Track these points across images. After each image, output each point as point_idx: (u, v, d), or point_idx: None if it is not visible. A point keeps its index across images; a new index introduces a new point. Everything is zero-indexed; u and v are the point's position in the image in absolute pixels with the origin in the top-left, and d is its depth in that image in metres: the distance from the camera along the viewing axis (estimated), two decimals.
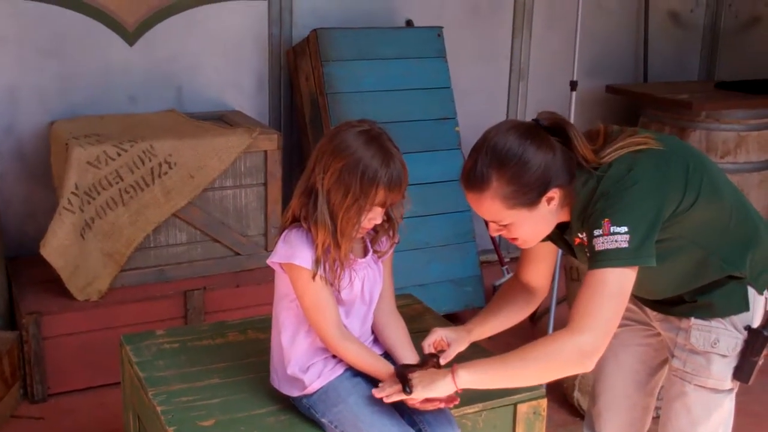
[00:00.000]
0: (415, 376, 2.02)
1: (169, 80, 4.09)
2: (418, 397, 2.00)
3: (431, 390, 2.00)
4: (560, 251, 2.27)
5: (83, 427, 3.26)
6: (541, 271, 2.27)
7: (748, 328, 2.07)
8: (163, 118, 3.91)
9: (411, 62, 4.20)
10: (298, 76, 4.19)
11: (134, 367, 2.40)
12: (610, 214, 1.89)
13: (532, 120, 2.01)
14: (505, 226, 1.99)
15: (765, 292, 2.11)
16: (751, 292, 2.08)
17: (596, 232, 1.90)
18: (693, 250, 2.01)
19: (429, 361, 2.14)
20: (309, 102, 4.13)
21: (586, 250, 1.99)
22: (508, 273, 4.34)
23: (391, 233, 2.21)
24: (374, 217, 2.08)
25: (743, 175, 4.43)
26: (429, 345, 2.21)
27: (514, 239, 2.03)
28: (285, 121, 4.38)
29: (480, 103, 4.78)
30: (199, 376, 2.34)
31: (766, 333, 2.06)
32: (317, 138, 4.06)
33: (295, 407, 2.19)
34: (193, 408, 2.18)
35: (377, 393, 2.04)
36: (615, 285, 1.90)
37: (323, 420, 2.10)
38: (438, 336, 2.21)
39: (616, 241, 1.87)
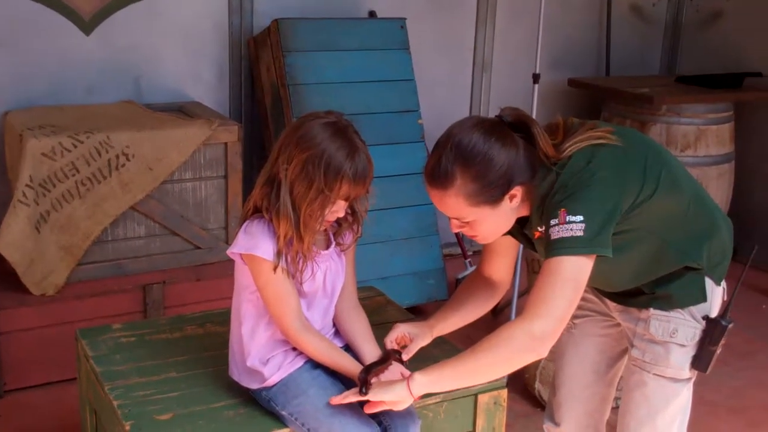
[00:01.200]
0: (375, 381, 2.01)
1: (126, 70, 4.02)
2: (373, 398, 1.97)
3: (386, 393, 1.96)
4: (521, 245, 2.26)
5: (40, 424, 3.21)
6: (503, 264, 2.27)
7: (706, 318, 2.09)
8: (121, 109, 3.85)
9: (374, 54, 4.17)
10: (259, 66, 4.15)
11: (90, 361, 2.36)
12: (566, 204, 1.89)
13: (496, 116, 2.00)
14: (467, 222, 1.98)
15: (722, 282, 2.13)
16: (709, 282, 2.10)
17: (552, 222, 1.90)
18: (651, 241, 2.02)
19: (391, 357, 2.12)
20: (270, 93, 4.09)
21: (544, 241, 1.99)
22: (471, 266, 4.34)
23: (355, 227, 2.19)
24: (337, 210, 2.06)
25: (702, 168, 4.49)
26: (392, 341, 2.20)
27: (474, 236, 2.03)
28: (246, 112, 4.33)
29: (443, 95, 4.78)
30: (156, 370, 2.30)
31: (724, 323, 2.08)
32: (278, 130, 4.04)
33: (255, 400, 2.16)
34: (150, 402, 2.14)
35: (334, 400, 2.01)
36: (569, 273, 1.90)
37: (283, 412, 2.08)
38: (400, 332, 2.20)
39: (571, 229, 1.87)
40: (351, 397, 1.99)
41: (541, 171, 1.95)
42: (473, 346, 1.95)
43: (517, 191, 1.94)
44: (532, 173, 1.95)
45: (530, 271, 3.57)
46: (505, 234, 2.09)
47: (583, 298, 2.11)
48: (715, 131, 4.55)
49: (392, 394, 1.96)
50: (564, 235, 1.88)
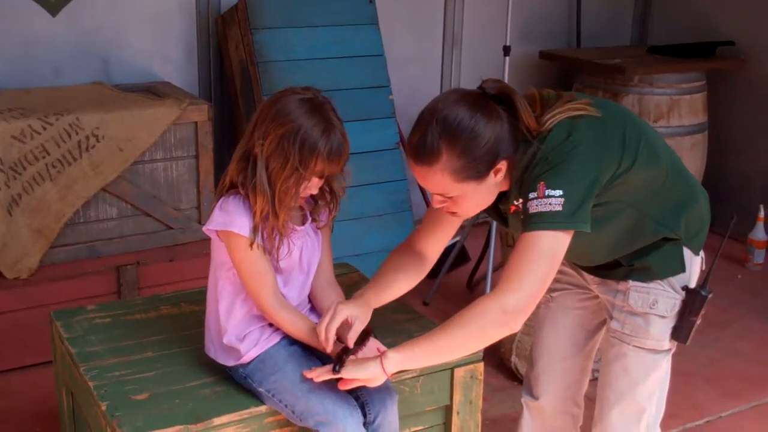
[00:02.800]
0: (350, 359, 1.98)
1: (94, 51, 3.98)
2: (346, 376, 1.95)
3: (359, 371, 1.95)
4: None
5: (16, 407, 3.20)
6: (440, 240, 2.22)
7: (685, 288, 2.10)
8: (90, 90, 3.81)
9: (343, 29, 4.14)
10: (228, 44, 4.12)
11: (65, 343, 2.35)
12: (545, 178, 1.87)
13: (478, 88, 1.96)
14: (450, 198, 1.95)
15: (701, 252, 2.13)
16: (687, 253, 2.10)
17: (531, 195, 1.88)
18: (629, 213, 2.02)
19: (367, 336, 2.11)
20: (239, 71, 4.06)
21: (521, 215, 1.98)
22: None
23: (332, 205, 2.19)
24: (311, 187, 2.06)
25: (676, 138, 4.50)
26: (334, 328, 2.05)
27: (456, 212, 2.01)
28: (215, 91, 4.30)
29: (414, 70, 4.77)
30: (132, 350, 2.30)
31: (704, 293, 2.08)
32: (248, 108, 4.02)
33: (232, 378, 2.16)
34: (126, 382, 2.14)
35: (308, 374, 1.99)
36: (546, 248, 1.88)
37: (260, 389, 2.08)
38: (343, 317, 2.06)
39: (550, 204, 1.85)
40: (324, 375, 1.97)
41: (522, 144, 1.93)
42: (446, 321, 1.94)
43: (502, 165, 1.92)
44: (516, 146, 1.93)
45: (504, 245, 3.59)
46: None
47: (560, 271, 2.10)
48: (688, 101, 4.56)
49: (366, 372, 1.95)
50: (542, 210, 1.86)
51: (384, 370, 1.94)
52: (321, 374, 1.98)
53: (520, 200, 1.97)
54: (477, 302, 1.93)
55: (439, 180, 1.90)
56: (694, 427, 3.22)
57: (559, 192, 1.86)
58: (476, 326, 1.91)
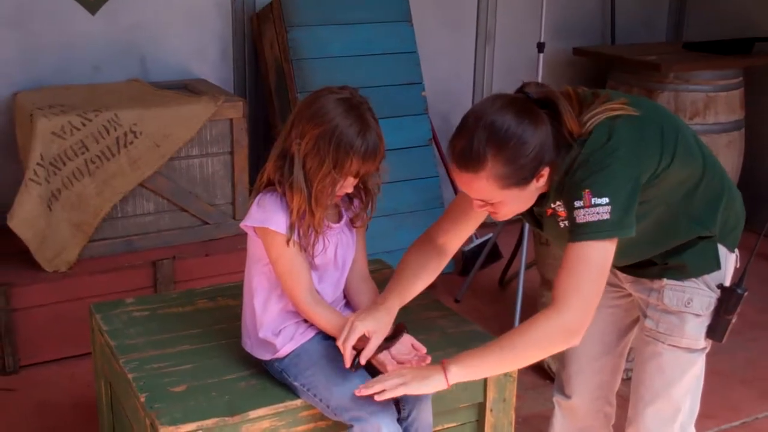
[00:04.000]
0: (408, 372, 1.97)
1: (132, 49, 4.03)
2: (411, 392, 1.96)
3: (425, 387, 1.96)
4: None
5: (56, 398, 3.25)
6: (463, 234, 2.23)
7: (720, 286, 2.08)
8: (128, 87, 3.86)
9: (376, 26, 4.16)
10: (263, 42, 4.15)
11: (104, 335, 2.39)
12: (589, 185, 1.86)
13: (520, 92, 1.95)
14: (491, 203, 1.95)
15: (735, 250, 2.12)
16: (722, 250, 2.08)
17: (577, 204, 1.87)
18: (663, 210, 2.01)
19: (401, 332, 2.12)
20: (274, 69, 4.10)
21: (559, 220, 1.98)
22: (476, 238, 4.35)
23: (367, 203, 2.19)
24: (346, 186, 2.07)
25: (711, 136, 4.45)
26: (350, 345, 2.02)
27: (495, 213, 2.00)
28: (250, 88, 4.34)
29: (446, 67, 4.77)
30: (169, 343, 2.33)
31: (739, 291, 2.06)
32: (283, 105, 4.05)
33: (267, 372, 2.19)
34: (164, 374, 2.17)
35: (360, 393, 1.97)
36: (597, 259, 1.89)
37: (295, 383, 2.11)
38: (359, 333, 2.03)
39: (597, 213, 1.85)
40: (377, 386, 1.95)
41: (563, 147, 1.92)
42: (506, 335, 1.96)
43: (545, 171, 1.91)
44: (558, 151, 1.91)
45: (537, 243, 3.58)
46: None
47: None
48: (725, 98, 4.50)
49: (430, 387, 1.96)
50: (590, 219, 1.86)
51: (447, 383, 1.95)
52: (372, 387, 1.95)
53: (557, 203, 1.97)
54: (537, 319, 1.94)
55: (483, 187, 1.89)
56: (729, 428, 3.19)
57: (605, 200, 1.85)
58: (540, 344, 1.94)
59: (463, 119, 1.92)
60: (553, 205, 2.00)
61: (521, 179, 1.89)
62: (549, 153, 1.89)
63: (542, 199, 2.02)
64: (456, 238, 2.22)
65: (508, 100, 1.90)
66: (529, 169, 1.88)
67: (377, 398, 1.94)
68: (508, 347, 1.94)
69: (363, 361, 2.02)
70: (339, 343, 2.03)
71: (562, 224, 2.01)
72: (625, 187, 1.88)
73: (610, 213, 1.85)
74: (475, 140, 1.85)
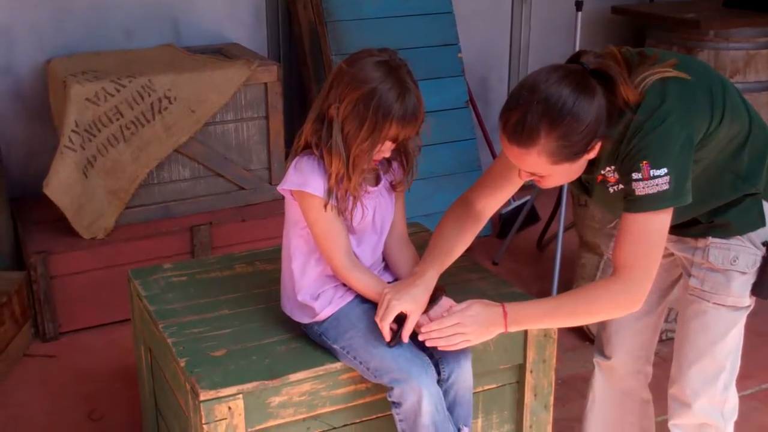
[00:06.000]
0: (468, 324, 1.99)
1: (165, 14, 4.02)
2: (475, 342, 2.02)
3: (486, 338, 2.02)
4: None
5: (96, 364, 3.29)
6: (501, 199, 2.22)
7: (766, 244, 2.06)
8: (161, 52, 3.85)
9: None
10: (296, 5, 4.12)
11: (143, 300, 2.39)
12: (647, 155, 1.85)
13: (573, 60, 1.91)
14: (541, 176, 1.93)
15: None
16: (767, 206, 2.06)
17: (635, 176, 1.87)
18: (710, 168, 1.99)
19: (438, 295, 2.10)
20: (308, 31, 4.06)
21: (609, 186, 1.98)
22: (514, 201, 4.32)
23: (407, 167, 2.16)
24: (384, 150, 2.04)
25: (752, 94, 4.36)
26: (387, 325, 2.03)
27: (541, 182, 1.97)
28: (284, 52, 4.32)
29: (482, 27, 4.71)
30: (208, 308, 2.33)
31: None
32: (317, 68, 4.02)
33: (306, 335, 2.18)
34: (204, 339, 2.17)
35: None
36: (659, 229, 1.91)
37: (335, 346, 2.10)
38: (395, 312, 2.02)
39: (657, 185, 1.85)
40: (433, 333, 1.99)
41: (615, 116, 1.89)
42: (568, 300, 2.02)
43: (597, 144, 1.89)
44: (610, 122, 1.88)
45: (576, 205, 3.54)
46: None
47: None
48: (765, 55, 4.42)
49: (491, 336, 2.02)
50: (650, 192, 1.86)
51: (506, 329, 1.99)
52: (429, 333, 2.01)
53: (608, 169, 1.96)
54: (600, 285, 2.01)
55: (534, 162, 1.87)
56: None
57: (663, 170, 1.85)
58: (600, 308, 1.99)
59: (515, 90, 1.87)
60: (603, 172, 1.99)
61: (573, 154, 1.86)
62: (602, 126, 1.86)
63: (591, 165, 1.99)
64: (494, 202, 2.21)
65: (564, 73, 1.85)
66: (582, 144, 1.85)
67: (441, 347, 2.01)
68: (569, 306, 2.00)
69: (405, 339, 2.03)
70: (377, 320, 2.04)
71: (611, 189, 2.00)
72: (681, 154, 1.86)
73: (669, 183, 1.85)
74: (528, 115, 1.81)
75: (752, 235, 2.05)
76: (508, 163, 2.00)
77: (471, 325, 1.99)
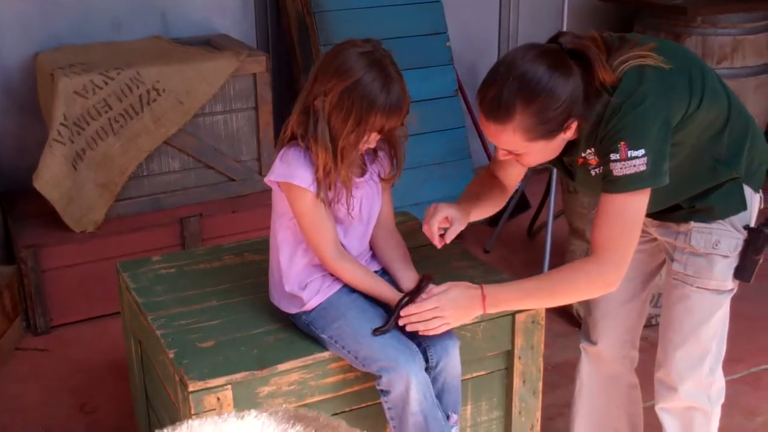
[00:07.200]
0: (447, 307, 2.01)
1: (152, 5, 4.01)
2: (455, 324, 2.05)
3: (466, 320, 2.06)
4: None
5: (87, 356, 3.29)
6: (516, 174, 2.27)
7: (747, 227, 2.08)
8: (149, 44, 3.85)
9: None
10: None
11: (132, 293, 2.40)
12: (625, 137, 1.87)
13: (554, 42, 1.93)
14: (518, 153, 1.96)
15: (759, 190, 2.12)
16: (747, 191, 2.08)
17: (613, 156, 1.89)
18: (688, 153, 2.00)
19: (424, 283, 2.12)
20: (296, 22, 4.06)
21: (590, 168, 1.99)
22: None
23: (393, 158, 2.18)
24: (370, 141, 2.05)
25: (740, 80, 4.40)
26: (438, 224, 2.12)
27: (519, 160, 2.00)
28: (273, 42, 4.31)
29: (471, 16, 4.70)
30: (197, 299, 2.33)
31: (766, 230, 2.06)
32: (306, 58, 4.01)
33: (295, 325, 2.19)
34: (192, 330, 2.18)
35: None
36: (634, 209, 1.93)
37: (323, 336, 2.10)
38: (444, 214, 2.12)
39: (634, 165, 1.87)
40: (413, 316, 2.03)
41: (592, 97, 1.91)
42: (544, 281, 2.06)
43: (573, 124, 1.90)
44: (587, 103, 1.90)
45: (565, 192, 3.55)
46: None
47: None
48: (752, 41, 4.44)
49: (470, 318, 2.06)
50: (627, 172, 1.88)
51: (484, 310, 2.01)
52: (408, 317, 2.03)
53: (588, 151, 1.97)
54: (577, 266, 2.05)
55: (510, 138, 1.89)
56: (759, 371, 3.19)
57: (641, 151, 1.86)
58: (578, 292, 2.05)
59: (493, 67, 1.90)
60: (583, 154, 2.00)
61: (548, 132, 1.88)
62: (578, 106, 1.88)
63: (572, 147, 2.01)
64: (511, 175, 2.26)
65: (541, 51, 1.88)
66: (557, 122, 1.87)
67: (421, 332, 2.03)
68: (547, 287, 2.03)
69: (448, 240, 2.11)
70: (423, 225, 2.10)
71: (593, 172, 2.01)
72: (658, 136, 1.88)
73: (646, 164, 1.86)
74: (504, 91, 1.84)
75: (734, 219, 2.07)
76: None
77: (449, 309, 2.01)
